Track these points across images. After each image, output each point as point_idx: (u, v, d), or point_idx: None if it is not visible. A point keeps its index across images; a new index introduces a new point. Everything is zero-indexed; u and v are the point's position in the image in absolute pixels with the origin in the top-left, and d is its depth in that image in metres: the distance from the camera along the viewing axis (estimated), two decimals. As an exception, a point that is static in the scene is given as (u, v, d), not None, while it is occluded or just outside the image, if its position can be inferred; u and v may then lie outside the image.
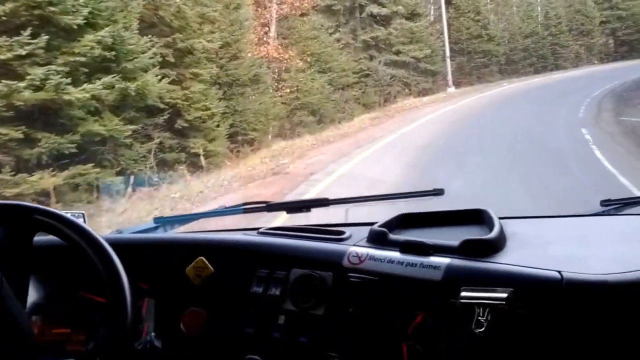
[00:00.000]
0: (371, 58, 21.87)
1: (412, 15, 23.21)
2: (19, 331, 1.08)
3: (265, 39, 18.59)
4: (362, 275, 1.23)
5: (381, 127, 15.94)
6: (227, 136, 14.10)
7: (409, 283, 1.17)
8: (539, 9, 33.99)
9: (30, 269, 1.23)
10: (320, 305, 1.27)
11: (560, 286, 1.04)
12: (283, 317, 1.29)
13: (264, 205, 1.72)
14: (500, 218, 1.35)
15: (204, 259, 1.40)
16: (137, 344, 1.36)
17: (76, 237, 1.13)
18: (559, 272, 1.06)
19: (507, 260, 1.14)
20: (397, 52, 22.40)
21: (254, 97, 15.60)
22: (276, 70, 18.24)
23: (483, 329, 1.04)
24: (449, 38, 25.54)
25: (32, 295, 1.32)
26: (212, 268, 1.39)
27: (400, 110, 19.22)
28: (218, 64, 14.66)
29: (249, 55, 16.94)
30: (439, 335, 1.12)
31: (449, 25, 25.93)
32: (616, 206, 1.53)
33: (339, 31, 21.68)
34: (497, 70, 29.19)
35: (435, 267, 1.16)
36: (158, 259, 1.47)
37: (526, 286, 1.06)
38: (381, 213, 1.51)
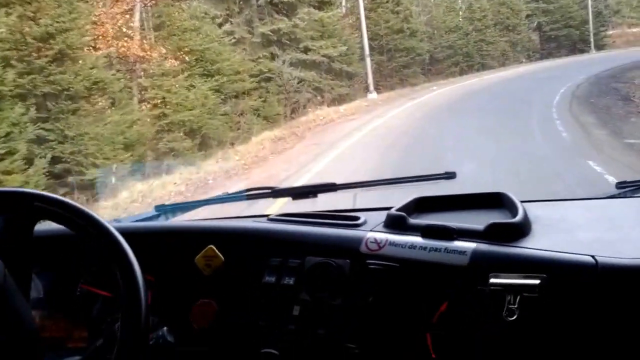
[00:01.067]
0: (273, 57, 17.14)
1: (321, 4, 18.68)
2: (24, 327, 0.97)
3: (125, 30, 13.48)
4: (382, 262, 1.17)
5: (288, 155, 11.13)
6: (48, 177, 9.10)
7: (433, 269, 1.13)
8: (460, 0, 30.48)
9: (32, 260, 1.11)
10: (337, 294, 1.20)
11: (595, 271, 1.01)
12: (298, 307, 1.22)
13: (269, 191, 1.65)
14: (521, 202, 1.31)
15: (214, 248, 1.32)
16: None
17: (84, 225, 1.04)
18: (593, 256, 1.03)
19: (536, 245, 1.11)
20: (306, 50, 17.82)
21: (102, 114, 10.58)
22: (142, 74, 13.23)
23: (515, 316, 1.01)
24: (367, 33, 21.11)
25: (32, 288, 1.21)
26: (222, 257, 1.32)
27: (313, 125, 14.49)
28: (35, 66, 9.61)
29: (100, 52, 11.93)
30: (466, 323, 1.08)
31: (365, 18, 21.48)
32: (632, 188, 1.51)
33: (231, 22, 16.89)
34: (420, 71, 25.20)
35: (461, 252, 1.12)
36: (164, 248, 1.39)
37: (559, 272, 1.03)
38: (391, 198, 1.46)
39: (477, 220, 1.18)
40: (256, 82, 16.11)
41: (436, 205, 1.40)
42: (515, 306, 1.00)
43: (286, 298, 1.22)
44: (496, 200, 1.38)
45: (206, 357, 1.30)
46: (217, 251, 1.31)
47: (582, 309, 1.01)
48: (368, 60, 19.36)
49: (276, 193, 1.65)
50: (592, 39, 35.64)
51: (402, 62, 23.49)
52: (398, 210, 1.30)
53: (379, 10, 23.13)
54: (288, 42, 17.40)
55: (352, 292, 1.17)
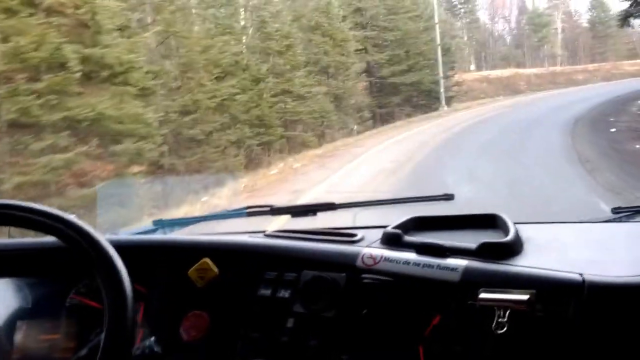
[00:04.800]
0: None
1: None
2: None
3: None
4: (377, 277, 1.19)
5: None
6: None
7: (426, 284, 1.15)
8: (244, 14, 15.96)
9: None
10: (332, 307, 1.20)
11: (582, 288, 1.02)
12: (292, 320, 1.21)
13: (268, 208, 1.65)
14: (514, 223, 1.33)
15: (208, 261, 1.31)
16: (135, 349, 1.23)
17: (74, 236, 1.05)
18: (581, 274, 1.03)
19: (526, 263, 1.13)
20: None
21: None
22: None
23: (504, 330, 1.01)
24: None
25: (20, 299, 1.35)
26: (216, 270, 1.30)
27: None
28: None
29: None
30: (457, 337, 1.10)
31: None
32: (627, 214, 1.52)
33: None
34: (147, 179, 9.94)
35: (453, 268, 1.13)
36: (158, 260, 1.39)
37: (547, 288, 1.04)
38: (389, 217, 1.45)
39: (471, 240, 1.20)
40: None
41: (432, 225, 1.42)
42: (505, 320, 1.01)
43: (280, 311, 1.23)
44: (490, 221, 1.39)
45: None
46: (211, 264, 1.30)
47: (569, 324, 1.02)
48: None
49: (275, 211, 1.66)
50: (442, 89, 23.64)
51: (62, 171, 8.07)
52: (394, 228, 1.33)
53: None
54: None
55: (347, 305, 1.19)
